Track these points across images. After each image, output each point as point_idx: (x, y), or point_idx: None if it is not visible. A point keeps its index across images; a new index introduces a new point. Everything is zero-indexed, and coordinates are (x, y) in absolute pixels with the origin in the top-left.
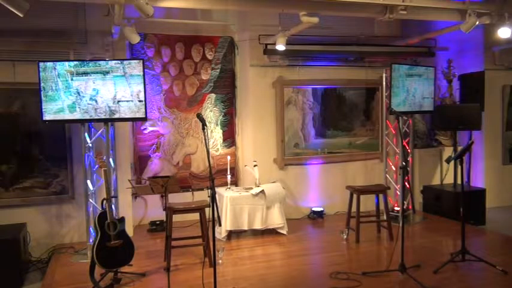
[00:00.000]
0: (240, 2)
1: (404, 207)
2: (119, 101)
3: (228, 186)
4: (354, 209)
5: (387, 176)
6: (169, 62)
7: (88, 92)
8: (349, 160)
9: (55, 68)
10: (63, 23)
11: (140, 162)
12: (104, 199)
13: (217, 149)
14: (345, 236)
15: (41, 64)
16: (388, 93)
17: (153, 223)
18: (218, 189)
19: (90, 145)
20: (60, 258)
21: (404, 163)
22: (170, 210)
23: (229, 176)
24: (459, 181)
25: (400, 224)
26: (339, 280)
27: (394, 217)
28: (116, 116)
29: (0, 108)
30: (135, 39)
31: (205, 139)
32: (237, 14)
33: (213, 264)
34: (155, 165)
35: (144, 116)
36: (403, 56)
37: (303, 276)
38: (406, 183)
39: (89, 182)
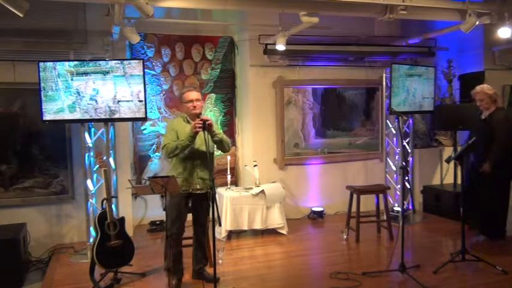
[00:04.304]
0: (240, 2)
1: (404, 207)
2: (119, 101)
3: (228, 186)
4: (354, 209)
5: (387, 176)
6: (169, 62)
7: (88, 92)
8: (349, 160)
9: (55, 68)
10: (63, 23)
11: (140, 162)
12: (104, 199)
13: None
14: (345, 236)
15: (41, 64)
16: (388, 93)
17: (153, 223)
18: (218, 189)
19: (90, 145)
20: (60, 258)
21: (404, 163)
22: None
23: (229, 176)
24: (459, 181)
25: (400, 224)
26: (339, 280)
27: (394, 217)
28: (116, 116)
29: (0, 108)
30: (135, 39)
31: (205, 139)
32: (237, 14)
33: (213, 264)
34: (155, 165)
35: (144, 116)
36: (403, 56)
37: (303, 276)
38: (406, 183)
39: (89, 182)
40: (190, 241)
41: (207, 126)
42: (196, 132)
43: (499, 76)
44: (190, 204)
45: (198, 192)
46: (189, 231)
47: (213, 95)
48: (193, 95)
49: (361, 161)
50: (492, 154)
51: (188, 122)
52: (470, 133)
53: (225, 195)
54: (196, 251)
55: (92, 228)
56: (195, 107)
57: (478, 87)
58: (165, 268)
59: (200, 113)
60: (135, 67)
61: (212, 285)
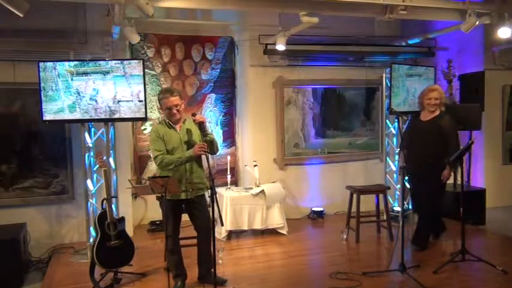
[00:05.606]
0: (240, 2)
1: (404, 207)
2: (119, 101)
3: (228, 186)
4: (354, 209)
5: (387, 176)
6: (169, 62)
7: (88, 92)
8: (349, 160)
9: (55, 68)
10: (63, 23)
11: (140, 162)
12: (104, 199)
13: None
14: (345, 236)
15: (41, 64)
16: (388, 93)
17: (153, 223)
18: (218, 189)
19: (90, 145)
20: (60, 258)
21: (404, 163)
22: None
23: (229, 176)
24: (459, 181)
25: (400, 224)
26: (339, 280)
27: (394, 217)
28: (116, 116)
29: (0, 108)
30: (135, 39)
31: (205, 142)
32: (237, 14)
33: (213, 264)
34: (155, 165)
35: (144, 116)
36: (403, 56)
37: (303, 276)
38: (406, 183)
39: (89, 182)
40: (190, 241)
41: (203, 127)
42: (198, 155)
43: (499, 76)
44: (183, 208)
45: (189, 197)
46: (190, 231)
47: (213, 95)
48: (171, 101)
49: (361, 161)
50: (451, 159)
51: (170, 126)
52: (409, 136)
53: (225, 195)
54: (199, 254)
55: (92, 228)
56: (174, 113)
57: (435, 86)
58: (165, 268)
59: (195, 113)
60: (135, 67)
61: (212, 285)
